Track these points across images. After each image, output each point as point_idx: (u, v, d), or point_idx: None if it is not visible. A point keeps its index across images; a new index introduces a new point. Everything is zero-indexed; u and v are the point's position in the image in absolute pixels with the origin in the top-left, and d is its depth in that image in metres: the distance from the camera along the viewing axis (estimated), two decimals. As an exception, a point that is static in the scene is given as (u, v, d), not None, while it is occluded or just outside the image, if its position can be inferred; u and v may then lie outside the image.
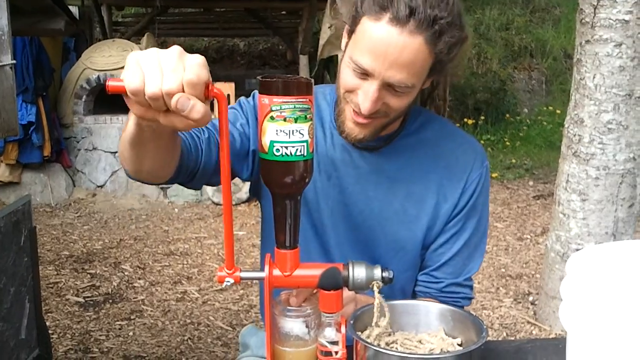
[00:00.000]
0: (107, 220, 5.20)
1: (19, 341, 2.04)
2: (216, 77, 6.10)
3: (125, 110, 0.82)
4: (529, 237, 4.77)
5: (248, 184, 1.32)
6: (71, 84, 5.81)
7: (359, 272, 0.96)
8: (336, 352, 0.96)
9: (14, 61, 2.30)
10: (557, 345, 1.16)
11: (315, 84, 0.97)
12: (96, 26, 7.84)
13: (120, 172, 5.73)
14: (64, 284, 3.83)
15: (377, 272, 0.96)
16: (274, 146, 0.90)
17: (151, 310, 3.48)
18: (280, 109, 0.88)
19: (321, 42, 5.47)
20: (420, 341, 1.03)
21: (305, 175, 0.94)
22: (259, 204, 1.36)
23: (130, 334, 3.21)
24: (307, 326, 0.99)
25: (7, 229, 1.94)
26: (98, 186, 5.86)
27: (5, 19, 2.25)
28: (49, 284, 3.78)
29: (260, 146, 0.92)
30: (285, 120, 0.89)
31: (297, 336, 0.99)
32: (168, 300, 3.61)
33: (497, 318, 3.47)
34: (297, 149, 0.90)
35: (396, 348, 1.01)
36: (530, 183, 6.32)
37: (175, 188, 5.60)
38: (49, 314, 3.34)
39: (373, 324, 0.99)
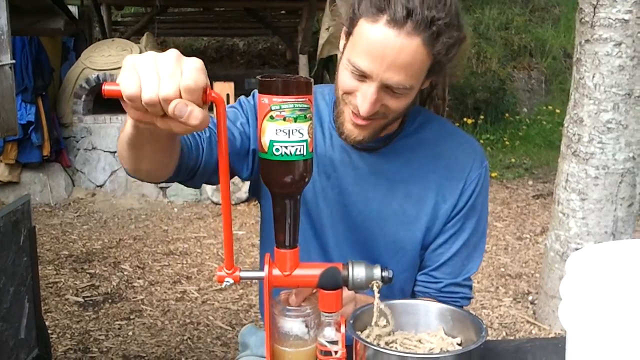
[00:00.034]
0: (107, 220, 5.20)
1: (19, 341, 2.04)
2: (216, 76, 6.13)
3: (124, 110, 0.81)
4: (528, 236, 4.77)
5: (247, 183, 1.32)
6: (70, 84, 5.81)
7: (358, 271, 0.96)
8: (336, 352, 0.96)
9: (14, 61, 2.30)
10: (557, 345, 1.16)
11: (314, 84, 0.96)
12: (95, 26, 7.84)
13: (120, 171, 5.73)
14: (64, 283, 3.83)
15: (377, 271, 0.96)
16: (273, 146, 0.90)
17: (151, 310, 3.48)
18: (280, 108, 0.88)
19: (321, 41, 5.48)
20: (419, 341, 1.03)
21: (305, 174, 0.94)
22: (259, 204, 1.35)
23: (130, 333, 3.21)
24: (306, 326, 0.99)
25: (6, 228, 1.94)
26: (97, 186, 5.86)
27: (5, 18, 2.24)
28: (48, 284, 3.78)
29: (259, 146, 0.92)
30: (284, 119, 0.89)
31: (297, 336, 0.99)
32: (167, 300, 3.61)
33: (497, 317, 3.47)
34: (296, 149, 0.90)
35: (396, 348, 1.01)
36: (530, 182, 6.32)
37: (175, 188, 5.60)
38: (48, 314, 3.34)
39: (373, 323, 0.99)
